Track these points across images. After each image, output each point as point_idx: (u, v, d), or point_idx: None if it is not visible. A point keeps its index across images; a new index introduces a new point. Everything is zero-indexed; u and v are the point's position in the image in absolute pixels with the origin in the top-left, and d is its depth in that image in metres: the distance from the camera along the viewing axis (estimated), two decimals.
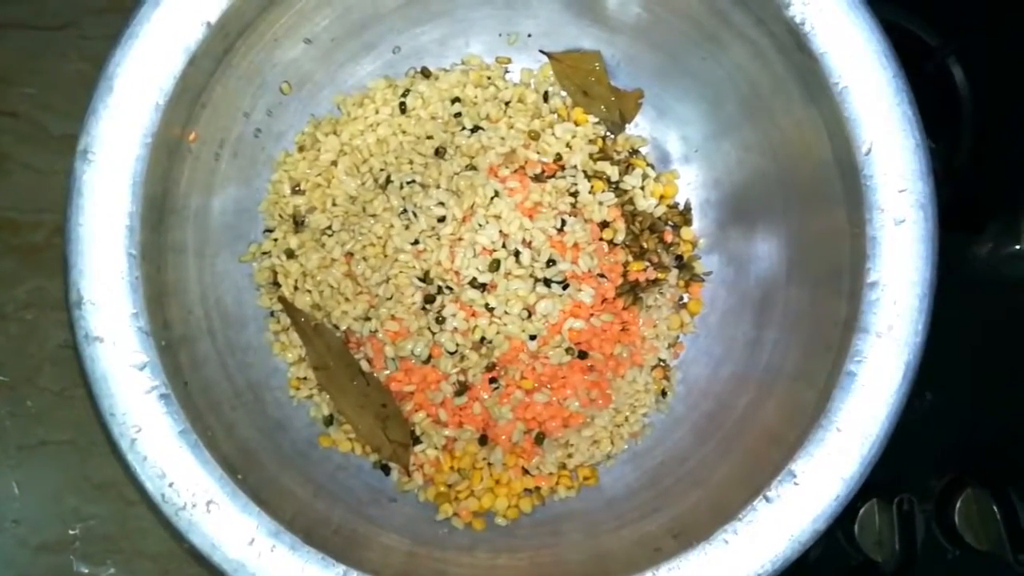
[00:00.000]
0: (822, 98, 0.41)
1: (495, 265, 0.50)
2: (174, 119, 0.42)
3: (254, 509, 0.38)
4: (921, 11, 0.60)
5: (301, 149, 0.53)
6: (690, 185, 0.55)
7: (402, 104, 0.53)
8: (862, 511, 0.55)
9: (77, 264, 0.38)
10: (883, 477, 0.55)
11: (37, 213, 0.59)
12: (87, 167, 0.39)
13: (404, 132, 0.53)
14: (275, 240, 0.52)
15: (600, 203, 0.52)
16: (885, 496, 0.55)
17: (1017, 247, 0.59)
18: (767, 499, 0.39)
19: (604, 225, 0.53)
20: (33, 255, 0.58)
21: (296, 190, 0.53)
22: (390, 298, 0.50)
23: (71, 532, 0.56)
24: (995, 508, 0.54)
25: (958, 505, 0.55)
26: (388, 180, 0.52)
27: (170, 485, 0.38)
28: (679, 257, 0.54)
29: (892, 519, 0.55)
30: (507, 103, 0.54)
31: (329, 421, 0.52)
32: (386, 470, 0.51)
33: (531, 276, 0.50)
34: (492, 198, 0.50)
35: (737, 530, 0.39)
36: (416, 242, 0.50)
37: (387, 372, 0.51)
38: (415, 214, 0.50)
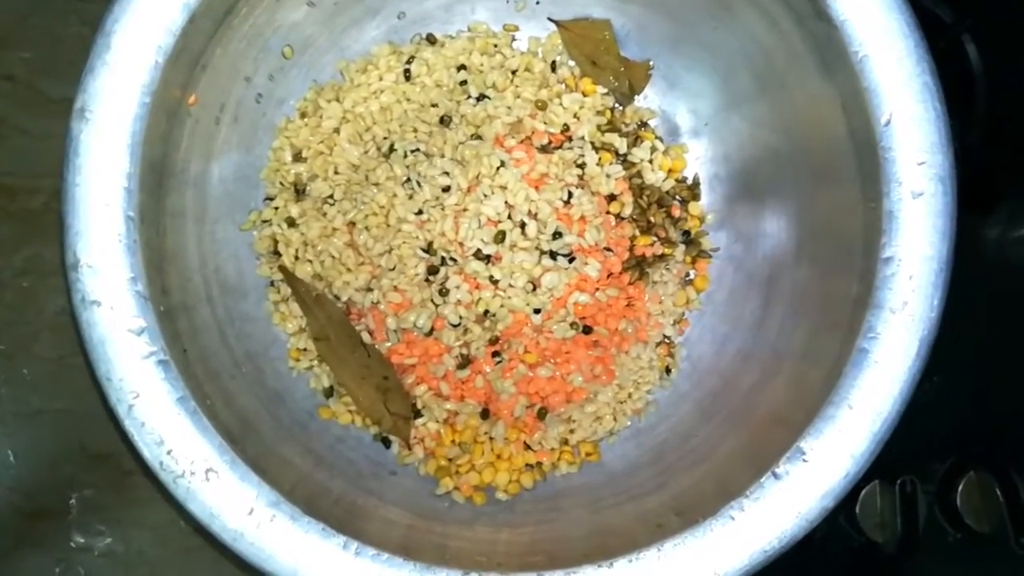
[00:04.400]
0: (840, 69, 0.40)
1: (500, 236, 0.49)
2: (173, 80, 0.41)
3: (254, 478, 0.38)
4: None
5: (303, 115, 0.52)
6: (699, 159, 0.54)
7: (406, 71, 0.52)
8: (864, 492, 0.55)
9: (74, 226, 0.37)
10: (886, 459, 0.54)
11: (34, 178, 0.58)
12: (84, 126, 0.37)
13: (408, 100, 0.52)
14: (276, 208, 0.51)
15: (608, 176, 0.51)
16: (887, 478, 0.55)
17: None
18: (776, 476, 0.38)
19: (611, 198, 0.52)
20: (30, 221, 0.58)
21: (298, 157, 0.52)
22: (392, 269, 0.50)
23: (67, 502, 0.56)
24: (998, 491, 0.54)
25: (960, 488, 0.55)
26: (391, 148, 0.51)
27: (168, 452, 0.37)
28: (686, 232, 0.53)
29: (894, 501, 0.54)
30: (514, 72, 0.53)
31: (329, 393, 0.51)
32: (386, 443, 0.51)
33: (536, 248, 0.49)
34: (498, 168, 0.49)
35: (744, 507, 0.38)
36: (420, 212, 0.49)
37: (389, 344, 0.50)
38: (419, 183, 0.49)
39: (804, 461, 0.38)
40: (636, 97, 0.54)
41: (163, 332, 0.38)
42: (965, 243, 0.59)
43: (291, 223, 0.51)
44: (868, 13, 0.39)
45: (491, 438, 0.51)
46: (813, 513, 0.38)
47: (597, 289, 0.51)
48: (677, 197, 0.54)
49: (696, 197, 0.54)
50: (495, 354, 0.50)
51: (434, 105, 0.52)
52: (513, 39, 0.54)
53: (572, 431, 0.51)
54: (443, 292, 0.49)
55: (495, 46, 0.53)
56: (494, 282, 0.49)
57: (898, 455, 0.55)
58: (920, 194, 0.38)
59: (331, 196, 0.51)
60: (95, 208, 0.37)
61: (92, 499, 0.56)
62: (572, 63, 0.54)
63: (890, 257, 0.38)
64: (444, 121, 0.52)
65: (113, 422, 0.38)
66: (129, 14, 0.38)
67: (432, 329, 0.50)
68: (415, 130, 0.52)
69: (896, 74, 0.38)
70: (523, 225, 0.49)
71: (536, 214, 0.49)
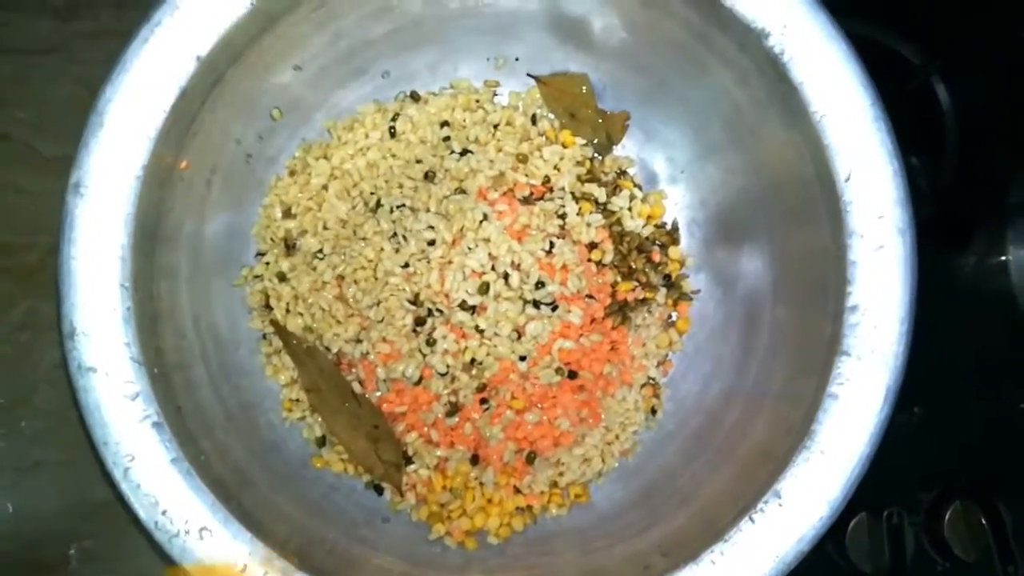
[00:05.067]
0: (802, 126, 0.42)
1: (484, 288, 0.50)
2: (165, 150, 0.43)
3: (246, 535, 0.39)
4: (905, 30, 0.60)
5: (292, 173, 0.54)
6: (677, 205, 0.56)
7: (392, 128, 0.54)
8: (852, 524, 0.55)
9: (70, 296, 0.39)
10: (873, 491, 0.55)
11: (30, 235, 0.59)
12: (79, 200, 0.39)
13: (394, 156, 0.54)
14: (267, 264, 0.53)
15: (588, 224, 0.53)
16: (875, 509, 0.56)
17: (1003, 258, 0.60)
18: (752, 520, 0.39)
19: (592, 246, 0.53)
20: (27, 277, 0.59)
21: (287, 214, 0.53)
22: (381, 321, 0.51)
23: (67, 553, 0.56)
24: (983, 521, 0.55)
25: (947, 518, 0.55)
26: (378, 204, 0.53)
27: (163, 513, 0.38)
28: (667, 276, 0.55)
29: (882, 532, 0.55)
30: (496, 126, 0.55)
31: (322, 442, 0.52)
32: (379, 490, 0.52)
33: (520, 298, 0.51)
34: (481, 221, 0.51)
35: (723, 551, 0.39)
36: (406, 265, 0.51)
37: (379, 393, 0.52)
38: (405, 237, 0.51)
39: (780, 506, 0.39)
40: (614, 147, 0.56)
41: (157, 394, 0.40)
42: (942, 275, 0.60)
43: (282, 278, 0.52)
44: (825, 75, 0.40)
45: (481, 483, 0.52)
46: (790, 557, 0.39)
47: (581, 335, 0.52)
48: (657, 242, 0.55)
49: (676, 242, 0.55)
50: (483, 401, 0.51)
51: (419, 161, 0.54)
52: (495, 94, 0.56)
53: (561, 474, 0.52)
54: (430, 342, 0.50)
55: (477, 102, 0.55)
56: (480, 331, 0.50)
57: (884, 486, 0.56)
58: (882, 247, 0.39)
59: (320, 251, 0.53)
60: (91, 279, 0.39)
61: (91, 550, 0.56)
62: (552, 116, 0.56)
63: (855, 306, 0.40)
64: (428, 176, 0.53)
65: (109, 484, 0.39)
66: (121, 92, 0.40)
67: (420, 378, 0.51)
68: (400, 186, 0.53)
69: (854, 133, 0.40)
70: (506, 276, 0.50)
71: (519, 265, 0.51)
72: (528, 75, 0.55)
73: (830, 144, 0.40)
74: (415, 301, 0.51)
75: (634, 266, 0.54)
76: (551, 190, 0.54)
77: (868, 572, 0.55)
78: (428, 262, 0.50)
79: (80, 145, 0.39)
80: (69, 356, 0.38)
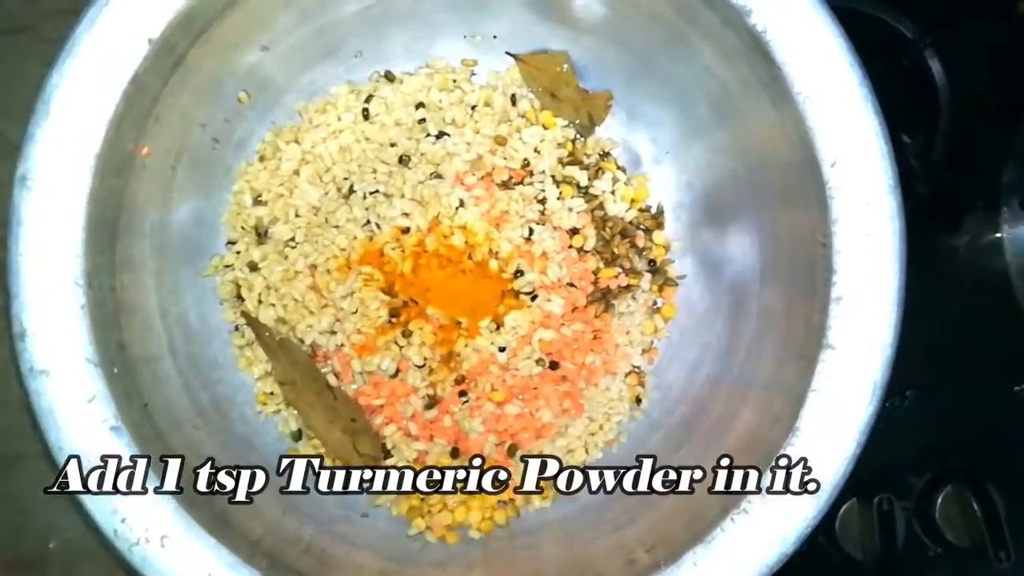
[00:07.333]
0: (787, 106, 0.40)
1: None
2: (123, 136, 0.40)
3: (210, 541, 0.37)
4: (899, 4, 0.59)
5: (262, 159, 0.52)
6: (662, 188, 0.54)
7: (365, 110, 0.52)
8: (843, 510, 0.55)
9: (19, 295, 0.37)
10: (863, 476, 0.54)
11: (0, 226, 0.57)
12: (26, 194, 0.37)
13: (367, 139, 0.52)
14: (238, 253, 0.51)
15: (569, 209, 0.51)
16: (865, 495, 0.55)
17: (997, 236, 0.58)
18: (734, 520, 0.38)
19: (574, 232, 0.51)
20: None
21: (258, 201, 0.51)
22: (355, 312, 0.49)
23: (47, 546, 0.55)
24: (975, 505, 0.54)
25: (939, 503, 0.55)
26: (351, 190, 0.51)
27: (122, 521, 0.37)
28: (652, 261, 0.53)
29: (872, 518, 0.54)
30: (473, 107, 0.53)
31: (298, 436, 0.51)
32: None
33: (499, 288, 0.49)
34: (457, 208, 0.49)
35: (705, 552, 0.38)
36: (380, 254, 0.49)
37: (355, 386, 0.50)
38: (378, 225, 0.49)
39: (763, 505, 0.38)
40: (597, 128, 0.54)
41: (116, 394, 0.38)
42: (934, 254, 0.59)
43: (253, 267, 0.51)
44: (810, 54, 0.38)
45: None
46: (773, 559, 0.37)
47: (562, 324, 0.50)
48: (641, 227, 0.53)
49: (660, 226, 0.54)
50: (462, 393, 0.50)
51: (393, 144, 0.52)
52: (472, 74, 0.54)
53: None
54: (406, 334, 0.49)
55: (454, 82, 0.53)
56: (457, 322, 0.49)
57: (875, 472, 0.55)
58: (868, 234, 0.38)
59: (292, 239, 0.51)
60: (40, 277, 0.37)
61: (72, 542, 0.56)
62: (532, 96, 0.53)
63: (840, 296, 0.38)
64: (403, 160, 0.51)
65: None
66: (68, 80, 0.38)
67: (397, 370, 0.50)
68: (374, 171, 0.51)
69: (841, 115, 0.38)
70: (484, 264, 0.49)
71: (497, 252, 0.49)
72: (507, 53, 0.53)
73: (814, 126, 0.38)
74: (389, 291, 0.49)
75: (617, 252, 0.52)
76: (531, 174, 0.52)
77: (859, 558, 0.54)
78: (403, 251, 0.49)
79: (25, 136, 0.37)
80: (20, 358, 0.37)
